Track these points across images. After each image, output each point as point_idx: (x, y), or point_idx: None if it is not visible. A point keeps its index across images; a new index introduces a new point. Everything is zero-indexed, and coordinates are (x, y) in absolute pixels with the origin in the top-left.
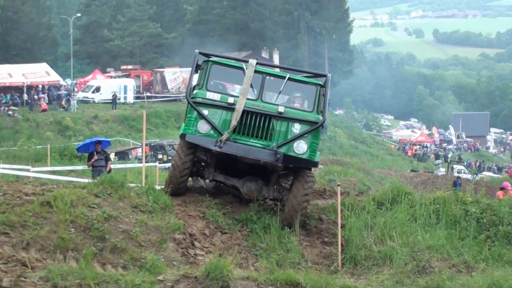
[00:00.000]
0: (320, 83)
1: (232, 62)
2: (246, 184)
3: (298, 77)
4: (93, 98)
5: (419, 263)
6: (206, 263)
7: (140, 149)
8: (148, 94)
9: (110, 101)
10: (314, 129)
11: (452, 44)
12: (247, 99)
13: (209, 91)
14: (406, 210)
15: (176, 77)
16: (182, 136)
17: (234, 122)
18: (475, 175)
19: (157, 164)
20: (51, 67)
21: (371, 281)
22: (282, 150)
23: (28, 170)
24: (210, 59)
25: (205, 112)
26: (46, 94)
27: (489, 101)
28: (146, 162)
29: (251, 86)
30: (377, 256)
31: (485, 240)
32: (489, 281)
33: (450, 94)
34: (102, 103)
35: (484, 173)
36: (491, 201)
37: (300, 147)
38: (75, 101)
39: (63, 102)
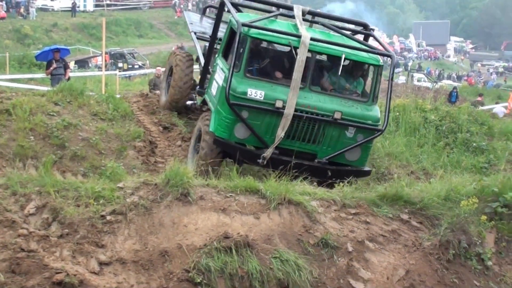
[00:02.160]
0: (379, 61)
1: (279, 38)
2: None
3: (355, 54)
4: (52, 6)
5: (378, 170)
6: (166, 170)
7: (100, 57)
8: (108, 2)
9: (70, 9)
10: (374, 137)
11: None
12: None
13: (247, 78)
14: None
15: None
16: (213, 136)
17: (281, 133)
18: (434, 83)
19: (117, 72)
20: None
21: (331, 188)
22: (331, 157)
23: None
24: (249, 32)
25: (245, 114)
26: (4, 2)
27: (449, 9)
28: (106, 70)
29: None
30: None
31: (444, 147)
32: (447, 187)
33: (411, 3)
34: (62, 11)
35: (443, 81)
36: (450, 108)
37: (353, 153)
38: (34, 9)
39: (21, 10)
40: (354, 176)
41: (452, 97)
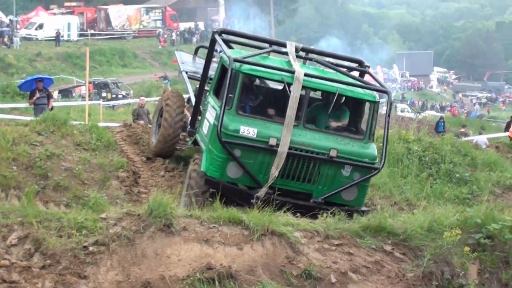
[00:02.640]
0: (375, 97)
1: (272, 73)
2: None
3: (350, 90)
4: (36, 35)
5: None
6: (149, 201)
7: (84, 87)
8: (92, 31)
9: (54, 38)
10: (371, 176)
11: None
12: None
13: (239, 115)
14: None
15: (121, 14)
16: (204, 176)
17: (275, 172)
18: (418, 114)
19: (100, 102)
20: None
21: (314, 219)
22: (327, 196)
23: None
24: (241, 68)
25: (237, 152)
26: None
27: (433, 40)
28: (89, 100)
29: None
30: None
31: (427, 178)
32: (430, 218)
33: (395, 33)
34: (45, 40)
35: (427, 112)
36: (433, 139)
37: (350, 193)
38: (17, 38)
39: (5, 39)
40: (350, 216)
41: (439, 127)
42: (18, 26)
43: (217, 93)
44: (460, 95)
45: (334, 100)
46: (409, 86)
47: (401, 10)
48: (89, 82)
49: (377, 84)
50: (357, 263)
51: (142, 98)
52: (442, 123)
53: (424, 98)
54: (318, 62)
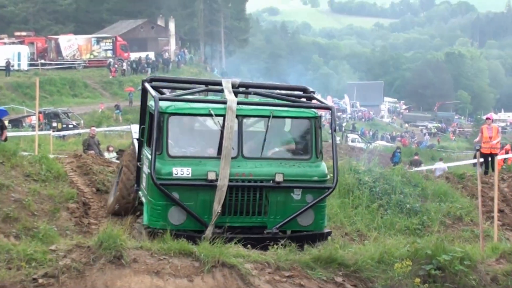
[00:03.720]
0: (314, 113)
1: (198, 108)
2: None
3: (286, 111)
4: None
5: None
6: (99, 233)
7: (34, 116)
8: (43, 61)
9: (4, 68)
10: (325, 196)
11: (347, 14)
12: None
13: (171, 158)
14: None
15: (71, 44)
16: (146, 228)
17: (217, 207)
18: (368, 144)
19: (51, 132)
20: None
21: (264, 250)
22: (283, 226)
23: None
24: (166, 108)
25: (175, 195)
26: None
27: (383, 70)
28: (40, 130)
29: None
30: None
31: (378, 208)
32: (381, 249)
33: (345, 64)
34: None
35: (377, 142)
36: (384, 170)
37: (306, 217)
38: None
39: None
40: (311, 241)
41: (395, 157)
42: None
43: (150, 143)
44: (407, 125)
45: (270, 124)
46: (360, 116)
47: (351, 41)
48: (39, 112)
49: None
50: None
51: (93, 128)
52: (399, 153)
53: (375, 128)
54: (258, 94)
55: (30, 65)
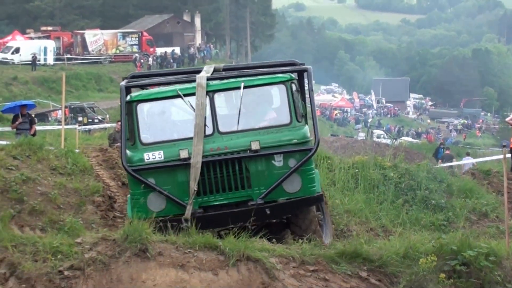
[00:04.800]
0: (287, 76)
1: (165, 91)
2: None
3: (257, 80)
4: (13, 59)
5: (337, 227)
6: (124, 226)
7: (60, 111)
8: (69, 56)
9: (30, 62)
10: (307, 159)
11: (374, 10)
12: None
13: (144, 146)
14: (325, 174)
15: (97, 39)
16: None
17: (193, 185)
18: (394, 140)
19: (76, 126)
20: None
21: (290, 244)
22: (269, 196)
23: None
24: (133, 97)
25: (152, 181)
26: None
27: (409, 67)
28: (65, 124)
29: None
30: None
31: (403, 204)
32: (406, 245)
33: (371, 60)
34: (22, 64)
35: (403, 138)
36: (409, 166)
37: (293, 183)
38: None
39: None
40: (303, 206)
41: (439, 153)
42: None
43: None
44: (429, 121)
45: (243, 96)
46: (385, 112)
47: (378, 37)
48: (65, 107)
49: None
50: None
51: (118, 122)
52: (442, 149)
53: (400, 124)
54: (229, 69)
55: (56, 59)
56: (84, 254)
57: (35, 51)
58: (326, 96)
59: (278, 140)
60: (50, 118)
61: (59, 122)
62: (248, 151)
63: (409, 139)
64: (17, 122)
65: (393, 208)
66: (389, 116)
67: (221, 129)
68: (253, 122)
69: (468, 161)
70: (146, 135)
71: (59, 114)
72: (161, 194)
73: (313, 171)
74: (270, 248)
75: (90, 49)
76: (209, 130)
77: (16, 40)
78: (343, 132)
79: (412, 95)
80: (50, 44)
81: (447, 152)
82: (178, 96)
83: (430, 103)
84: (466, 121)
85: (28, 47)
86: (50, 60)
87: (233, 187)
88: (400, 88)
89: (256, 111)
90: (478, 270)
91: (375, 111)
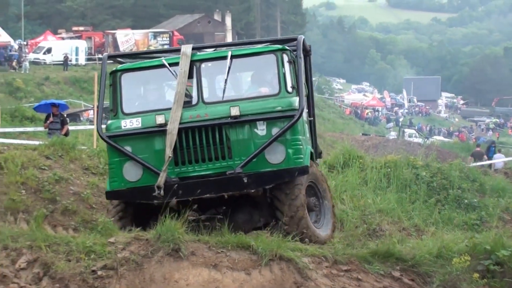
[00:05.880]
0: (278, 46)
1: (150, 62)
2: (231, 219)
3: (245, 49)
4: (45, 60)
5: (369, 226)
6: (157, 226)
7: (92, 111)
8: (100, 56)
9: (62, 62)
10: (290, 126)
11: (404, 8)
12: (183, 108)
13: (126, 115)
14: (357, 173)
15: (128, 39)
16: (107, 195)
17: (168, 152)
18: (426, 139)
19: None
20: (2, 27)
21: (322, 244)
22: (251, 167)
23: None
24: (118, 67)
25: (128, 149)
26: None
27: (440, 65)
28: None
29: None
30: None
31: (435, 203)
32: (439, 244)
33: (402, 58)
34: (54, 64)
35: (435, 137)
36: (442, 165)
37: (276, 153)
38: (26, 62)
39: (14, 63)
40: (285, 177)
41: (491, 152)
42: (27, 51)
43: None
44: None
45: (230, 66)
46: (417, 111)
47: (409, 36)
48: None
49: None
50: None
51: None
52: (494, 147)
53: (432, 123)
54: (230, 46)
55: (88, 59)
56: (117, 254)
57: (67, 51)
58: (357, 95)
59: (261, 108)
60: (81, 118)
61: (90, 122)
62: (229, 118)
63: (441, 138)
64: (48, 122)
65: (426, 207)
66: (420, 115)
67: (206, 99)
68: (240, 92)
69: (500, 159)
70: (128, 105)
71: (91, 114)
72: (138, 163)
73: (299, 142)
74: (303, 247)
75: (121, 49)
76: (194, 100)
77: (48, 40)
78: (374, 131)
79: (444, 94)
80: (82, 44)
81: (478, 149)
82: (163, 66)
83: (461, 102)
84: (498, 120)
85: (60, 47)
86: (82, 60)
87: (213, 157)
88: (431, 87)
89: (244, 81)
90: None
91: (406, 110)
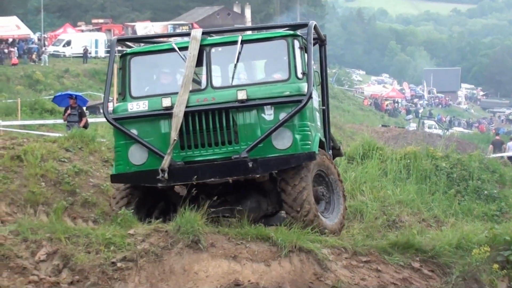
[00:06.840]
0: (289, 32)
1: (160, 46)
2: (238, 207)
3: (256, 35)
4: (64, 52)
5: (389, 218)
6: (177, 217)
7: (111, 103)
8: (120, 48)
9: (81, 55)
10: (297, 111)
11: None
12: (191, 92)
13: (134, 99)
14: (377, 165)
15: (148, 31)
16: (112, 178)
17: (174, 135)
18: (445, 131)
19: None
20: (21, 20)
21: (342, 235)
22: (258, 152)
23: None
24: (128, 51)
25: (134, 132)
26: (16, 48)
27: (460, 57)
28: None
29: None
30: (348, 210)
31: (455, 194)
32: (459, 235)
33: (422, 50)
34: (73, 57)
35: (454, 128)
36: (461, 156)
37: (283, 139)
38: (46, 55)
39: (33, 56)
40: (292, 163)
41: None
42: (46, 43)
43: None
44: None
45: (241, 51)
46: (436, 103)
47: (428, 27)
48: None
49: None
50: (385, 280)
51: None
52: None
53: (452, 115)
54: (241, 30)
55: (107, 52)
56: (136, 246)
57: (86, 43)
58: (377, 86)
59: (269, 92)
60: (101, 111)
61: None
62: (236, 102)
63: (461, 129)
64: (66, 114)
65: (445, 198)
66: (440, 106)
67: (215, 84)
68: (249, 78)
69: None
70: (137, 89)
71: (111, 106)
72: (143, 147)
73: (307, 128)
74: (322, 239)
75: None
76: (203, 84)
77: (68, 33)
78: (394, 123)
79: (464, 85)
80: (101, 37)
81: (497, 137)
82: (173, 50)
83: (481, 93)
84: None
85: (79, 39)
86: (101, 52)
87: (219, 142)
88: (451, 78)
89: (254, 66)
90: None
91: (426, 102)
